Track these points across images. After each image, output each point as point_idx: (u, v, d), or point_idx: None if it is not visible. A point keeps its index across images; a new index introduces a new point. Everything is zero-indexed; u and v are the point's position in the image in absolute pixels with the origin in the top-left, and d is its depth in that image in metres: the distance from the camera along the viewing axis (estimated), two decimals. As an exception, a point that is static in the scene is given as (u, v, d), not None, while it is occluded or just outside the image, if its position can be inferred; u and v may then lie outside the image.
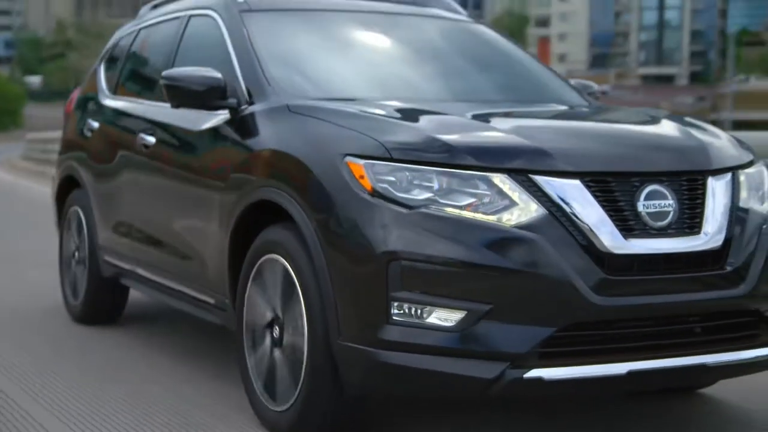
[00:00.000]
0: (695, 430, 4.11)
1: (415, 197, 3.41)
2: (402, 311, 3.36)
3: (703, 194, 3.62)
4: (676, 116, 4.26)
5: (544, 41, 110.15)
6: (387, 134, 3.58)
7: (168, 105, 4.56)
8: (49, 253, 6.95)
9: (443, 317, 3.33)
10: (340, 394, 3.62)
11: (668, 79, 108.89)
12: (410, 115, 3.84)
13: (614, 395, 4.47)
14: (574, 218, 3.38)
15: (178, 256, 4.80)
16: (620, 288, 3.39)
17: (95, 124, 6.00)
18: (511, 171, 3.42)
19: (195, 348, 5.38)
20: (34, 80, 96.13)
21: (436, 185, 3.42)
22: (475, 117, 3.93)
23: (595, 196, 3.43)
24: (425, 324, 3.35)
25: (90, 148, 6.01)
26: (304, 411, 3.68)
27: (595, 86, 5.38)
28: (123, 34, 6.32)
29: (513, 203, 3.38)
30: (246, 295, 4.05)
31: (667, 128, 4.00)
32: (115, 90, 6.01)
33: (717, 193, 3.64)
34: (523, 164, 3.45)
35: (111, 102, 5.95)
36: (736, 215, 3.66)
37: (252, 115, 4.24)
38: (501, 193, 3.39)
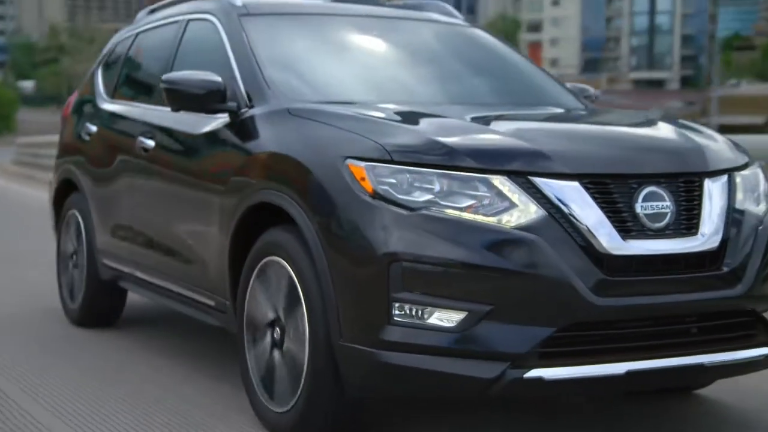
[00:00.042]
0: (692, 430, 4.15)
1: (416, 199, 3.44)
2: (403, 312, 3.39)
3: (700, 196, 3.65)
4: (672, 119, 4.29)
5: (536, 46, 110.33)
6: (388, 137, 3.61)
7: (167, 108, 4.60)
8: (48, 254, 6.96)
9: (444, 318, 3.36)
10: (341, 394, 3.64)
11: (659, 84, 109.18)
12: (410, 117, 3.87)
13: (613, 395, 4.51)
14: (573, 220, 3.41)
15: (177, 258, 4.82)
16: (619, 288, 3.42)
17: (93, 128, 6.01)
18: (511, 173, 3.45)
19: (194, 349, 5.40)
20: (27, 85, 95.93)
21: (436, 187, 3.45)
22: (475, 120, 3.96)
23: (594, 198, 3.46)
24: (426, 325, 3.37)
25: (88, 151, 6.02)
26: (306, 412, 3.71)
27: (592, 90, 5.42)
28: (120, 38, 6.34)
29: (513, 205, 3.41)
30: (247, 297, 4.07)
31: (664, 131, 4.03)
32: (113, 94, 6.03)
33: (714, 194, 3.68)
34: (522, 166, 3.48)
35: (109, 106, 5.96)
36: (733, 216, 3.70)
37: (252, 118, 4.27)
38: (501, 194, 3.42)
